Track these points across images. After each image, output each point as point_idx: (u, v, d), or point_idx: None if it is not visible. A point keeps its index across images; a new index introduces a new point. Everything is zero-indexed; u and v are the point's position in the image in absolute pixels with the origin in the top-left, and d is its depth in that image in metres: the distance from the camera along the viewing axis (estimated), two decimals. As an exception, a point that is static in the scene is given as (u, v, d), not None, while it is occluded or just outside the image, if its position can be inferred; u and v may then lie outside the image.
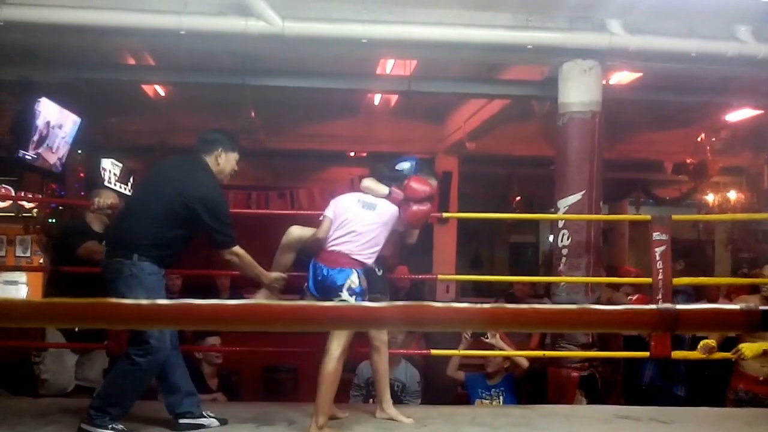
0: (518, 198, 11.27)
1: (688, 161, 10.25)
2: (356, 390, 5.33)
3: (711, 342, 4.98)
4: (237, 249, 4.02)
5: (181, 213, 3.91)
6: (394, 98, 8.27)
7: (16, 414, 4.21)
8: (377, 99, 8.35)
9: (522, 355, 5.60)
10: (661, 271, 5.12)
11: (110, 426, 3.79)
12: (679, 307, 1.42)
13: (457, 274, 9.85)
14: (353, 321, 1.42)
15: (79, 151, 8.62)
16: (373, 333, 4.36)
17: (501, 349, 5.54)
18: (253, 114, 7.71)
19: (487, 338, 5.49)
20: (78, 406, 4.41)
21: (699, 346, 5.02)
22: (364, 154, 10.18)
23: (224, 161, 4.15)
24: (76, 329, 4.72)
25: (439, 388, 5.89)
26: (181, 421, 3.98)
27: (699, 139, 9.45)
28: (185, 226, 3.96)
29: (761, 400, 5.25)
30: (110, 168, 9.71)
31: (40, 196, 9.12)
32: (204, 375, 5.38)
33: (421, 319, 1.32)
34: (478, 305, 1.40)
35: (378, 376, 4.46)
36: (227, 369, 5.51)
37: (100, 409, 3.81)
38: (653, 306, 1.43)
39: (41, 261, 9.01)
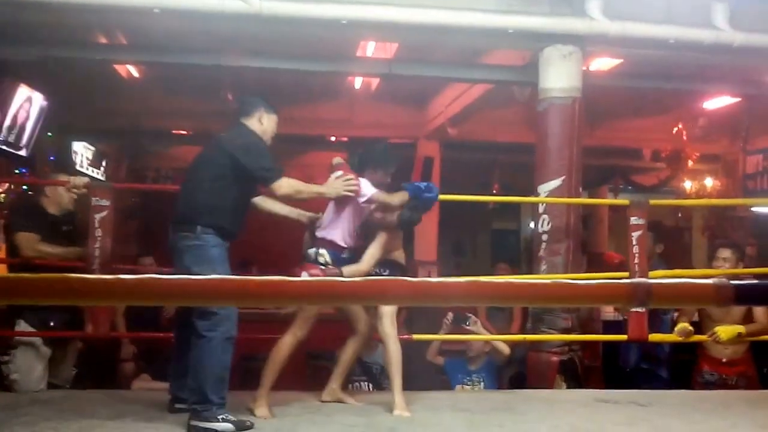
0: (498, 185, 11.25)
1: (666, 149, 10.31)
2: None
3: (687, 325, 5.04)
4: (284, 180, 4.04)
5: (227, 171, 3.99)
6: (375, 82, 8.19)
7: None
8: (358, 82, 8.26)
9: (502, 340, 5.60)
10: (637, 255, 5.17)
11: (219, 416, 3.72)
12: (651, 281, 1.44)
13: (438, 260, 9.84)
14: (362, 296, 1.37)
15: (49, 134, 8.41)
16: (380, 322, 4.38)
17: (483, 333, 5.56)
18: (230, 97, 7.59)
19: (468, 325, 5.49)
20: (48, 397, 4.34)
21: (676, 330, 5.08)
22: (345, 139, 10.09)
23: (267, 122, 4.20)
24: (51, 323, 4.63)
25: (419, 374, 5.88)
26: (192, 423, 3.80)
27: (676, 127, 9.48)
28: (235, 183, 4.00)
29: (725, 381, 5.34)
30: (82, 151, 9.51)
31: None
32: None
33: (412, 294, 1.28)
34: (458, 280, 1.37)
35: (346, 358, 4.50)
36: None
37: (202, 401, 3.74)
38: (626, 280, 1.43)
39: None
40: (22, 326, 4.64)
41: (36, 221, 4.76)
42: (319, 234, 4.32)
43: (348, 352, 4.48)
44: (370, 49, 6.88)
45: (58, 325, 4.66)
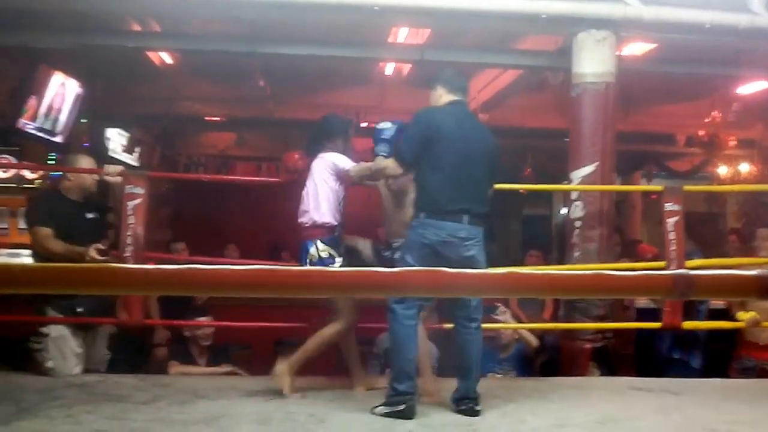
0: (529, 170, 11.18)
1: (701, 134, 10.17)
2: (375, 359, 5.31)
3: (753, 314, 4.99)
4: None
5: None
6: (406, 67, 8.16)
7: (20, 390, 4.17)
8: (389, 68, 8.24)
9: (534, 328, 5.57)
10: (673, 241, 5.10)
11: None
12: (693, 273, 1.41)
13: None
14: (380, 286, 1.37)
15: (83, 121, 8.50)
16: None
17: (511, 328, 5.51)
18: (262, 83, 7.61)
19: (497, 314, 5.46)
20: (84, 382, 4.40)
21: (745, 321, 5.04)
22: (376, 125, 10.06)
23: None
24: (78, 309, 4.62)
25: (449, 362, 5.88)
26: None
27: (712, 113, 9.35)
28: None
29: (764, 367, 5.28)
30: (116, 138, 9.61)
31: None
32: (192, 354, 5.37)
33: (445, 285, 1.27)
34: (495, 271, 1.36)
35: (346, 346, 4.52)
36: (239, 343, 5.47)
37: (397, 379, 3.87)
38: (668, 272, 1.41)
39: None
40: (51, 314, 4.62)
41: (53, 213, 4.65)
42: (305, 220, 4.37)
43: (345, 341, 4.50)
44: (402, 35, 6.86)
45: (85, 311, 4.64)
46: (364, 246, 4.78)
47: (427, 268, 1.41)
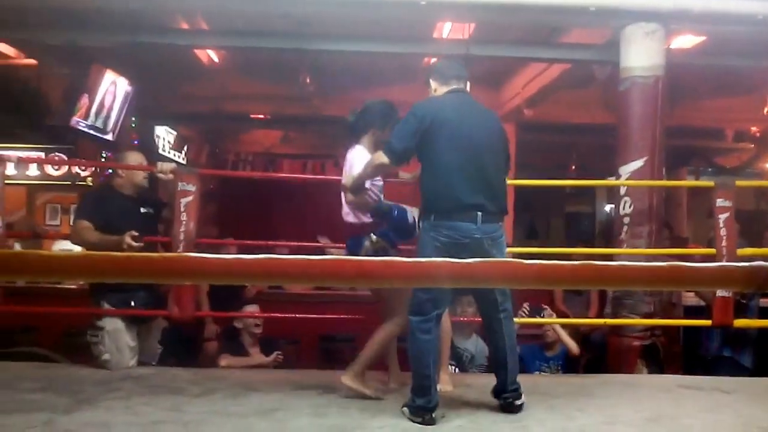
0: (574, 167, 11.10)
1: (750, 129, 9.99)
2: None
3: None
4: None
5: None
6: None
7: (77, 382, 4.27)
8: (433, 63, 8.23)
9: (584, 323, 5.53)
10: (725, 238, 5.03)
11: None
12: None
13: (513, 244, 9.77)
14: (451, 277, 1.38)
15: (133, 119, 8.66)
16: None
17: (554, 331, 5.49)
18: (308, 80, 7.66)
19: (543, 317, 5.43)
20: (140, 374, 4.50)
21: None
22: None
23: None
24: (132, 303, 4.72)
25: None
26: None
27: (765, 108, 9.16)
28: None
29: None
30: (164, 135, 9.77)
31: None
32: (243, 344, 5.45)
33: (514, 277, 1.29)
34: (564, 263, 1.35)
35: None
36: (286, 338, 5.55)
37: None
38: (745, 264, 1.39)
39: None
40: (106, 308, 4.72)
41: (105, 209, 4.72)
42: (353, 219, 4.24)
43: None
44: (446, 29, 6.85)
45: (138, 304, 4.74)
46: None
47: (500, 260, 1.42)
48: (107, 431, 3.41)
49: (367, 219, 4.15)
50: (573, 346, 5.42)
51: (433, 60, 4.46)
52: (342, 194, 4.23)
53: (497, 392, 3.90)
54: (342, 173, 4.28)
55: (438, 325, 3.79)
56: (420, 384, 3.68)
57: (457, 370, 5.26)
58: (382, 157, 3.80)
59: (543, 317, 5.47)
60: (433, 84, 4.00)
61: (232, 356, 5.43)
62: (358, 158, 4.17)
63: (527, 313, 5.53)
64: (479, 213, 3.67)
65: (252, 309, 5.59)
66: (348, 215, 4.23)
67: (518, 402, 3.85)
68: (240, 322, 5.50)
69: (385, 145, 3.84)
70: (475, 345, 5.41)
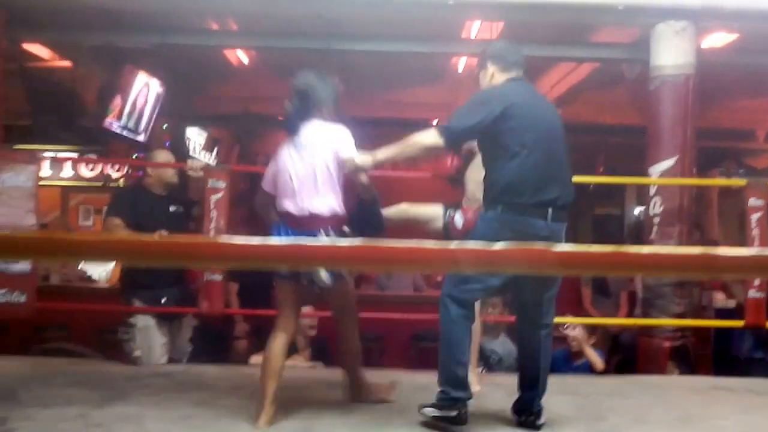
0: (602, 168, 11.00)
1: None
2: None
3: None
4: None
5: None
6: (478, 63, 8.12)
7: (109, 378, 4.34)
8: (461, 64, 8.22)
9: (613, 323, 5.47)
10: (757, 237, 4.97)
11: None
12: None
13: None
14: (473, 262, 1.37)
15: (165, 123, 8.74)
16: None
17: (579, 342, 5.32)
18: (336, 81, 7.66)
19: (566, 328, 5.34)
20: (170, 371, 4.55)
21: None
22: (448, 122, 10.05)
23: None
24: (162, 301, 4.78)
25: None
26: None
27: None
28: None
29: None
30: (195, 137, 9.85)
31: (126, 166, 9.33)
32: (297, 347, 5.43)
33: (539, 262, 1.28)
34: (593, 248, 1.32)
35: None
36: (318, 337, 5.54)
37: None
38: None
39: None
40: (137, 305, 4.80)
41: (135, 207, 4.77)
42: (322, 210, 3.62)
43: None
44: (474, 29, 6.84)
45: (168, 302, 4.80)
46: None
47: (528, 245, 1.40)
48: (138, 425, 3.46)
49: (340, 210, 3.63)
50: (597, 361, 5.25)
51: (493, 43, 3.99)
52: (317, 178, 3.58)
53: (520, 410, 3.64)
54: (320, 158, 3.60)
55: (472, 315, 3.55)
56: (456, 374, 3.44)
57: (484, 372, 5.24)
58: (435, 138, 3.43)
59: (565, 329, 5.34)
60: (491, 68, 3.65)
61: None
62: (338, 134, 3.64)
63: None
64: (550, 209, 3.39)
65: (307, 310, 5.53)
66: (324, 205, 3.57)
67: (540, 422, 3.58)
68: None
69: (442, 125, 3.48)
70: (503, 346, 5.34)
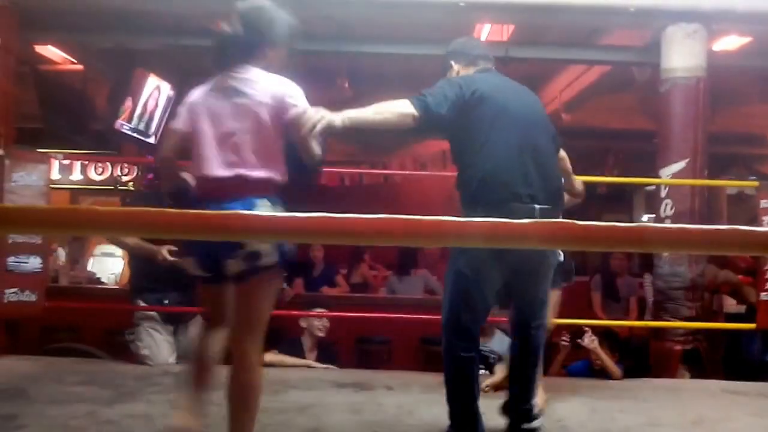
0: (611, 173, 10.97)
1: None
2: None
3: None
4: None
5: None
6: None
7: (118, 377, 4.34)
8: (472, 67, 8.21)
9: (624, 325, 5.43)
10: (769, 240, 4.93)
11: None
12: None
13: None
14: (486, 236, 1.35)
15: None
16: None
17: (597, 354, 5.26)
18: (346, 85, 7.67)
19: (583, 340, 5.28)
20: (177, 370, 4.53)
21: None
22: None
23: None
24: (165, 302, 4.78)
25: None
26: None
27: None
28: None
29: None
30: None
31: (136, 168, 9.34)
32: (303, 347, 5.41)
33: (560, 236, 1.25)
34: (614, 224, 1.29)
35: None
36: (326, 339, 5.53)
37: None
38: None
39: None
40: (141, 305, 4.81)
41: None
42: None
43: None
44: (485, 32, 6.84)
45: (171, 304, 4.79)
46: None
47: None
48: (148, 422, 3.45)
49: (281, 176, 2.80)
50: (615, 371, 5.22)
51: (452, 41, 3.60)
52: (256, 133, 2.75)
53: (511, 410, 3.37)
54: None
55: (476, 344, 3.26)
56: (464, 413, 3.14)
57: (487, 373, 5.21)
58: (409, 107, 3.05)
59: (583, 340, 5.28)
60: (455, 67, 3.42)
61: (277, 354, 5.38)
62: (287, 85, 2.84)
63: (568, 342, 5.31)
64: (536, 206, 3.06)
65: (319, 311, 5.52)
66: (262, 169, 2.73)
67: (528, 426, 3.29)
68: (305, 322, 5.44)
69: (415, 96, 3.09)
70: (500, 344, 5.25)
